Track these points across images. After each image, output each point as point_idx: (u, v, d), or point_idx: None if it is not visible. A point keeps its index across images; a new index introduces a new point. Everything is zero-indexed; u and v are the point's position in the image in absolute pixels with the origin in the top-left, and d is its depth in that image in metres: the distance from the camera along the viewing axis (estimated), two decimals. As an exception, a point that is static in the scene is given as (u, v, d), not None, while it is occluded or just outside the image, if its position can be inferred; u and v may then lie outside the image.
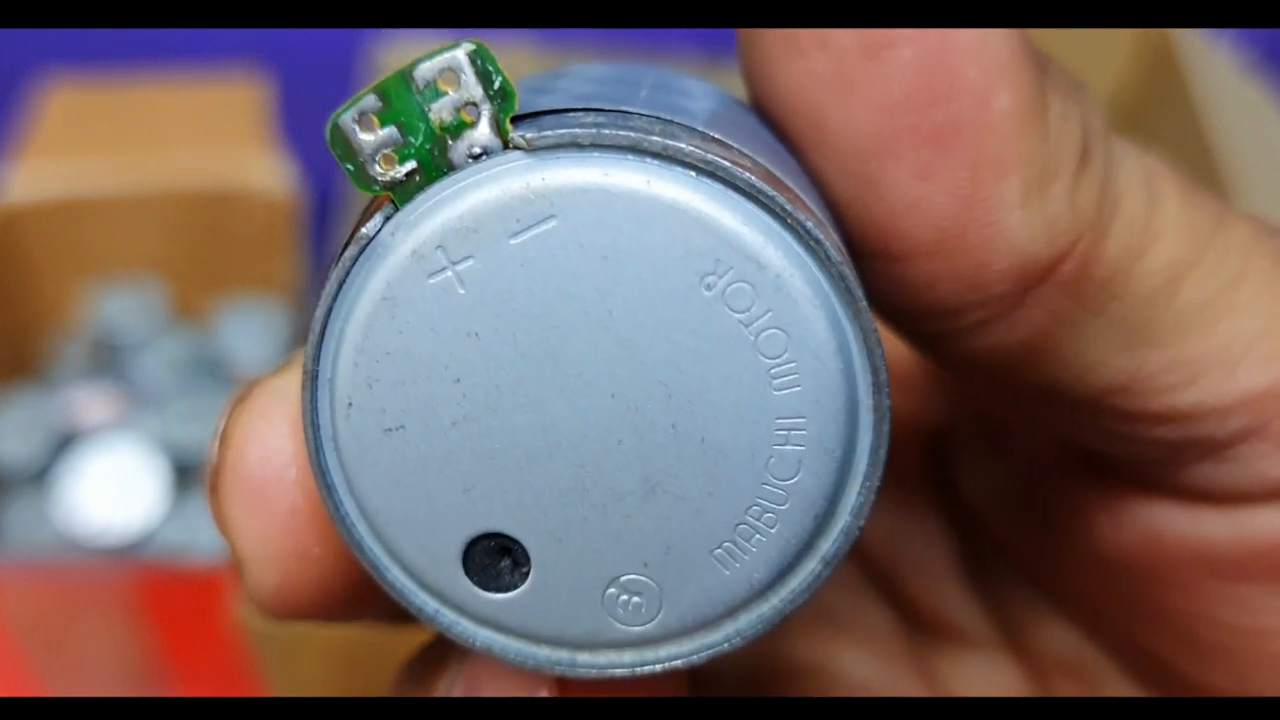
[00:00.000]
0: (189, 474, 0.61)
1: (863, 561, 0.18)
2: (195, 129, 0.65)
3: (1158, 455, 0.13)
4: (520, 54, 0.66)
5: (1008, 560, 0.17)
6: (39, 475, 0.60)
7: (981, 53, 0.11)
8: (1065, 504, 0.15)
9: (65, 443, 0.61)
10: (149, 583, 0.51)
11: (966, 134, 0.11)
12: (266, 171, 0.63)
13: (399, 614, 0.14)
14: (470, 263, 0.12)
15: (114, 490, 0.59)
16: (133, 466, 0.59)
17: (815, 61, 0.11)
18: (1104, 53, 0.60)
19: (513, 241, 0.12)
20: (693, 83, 0.14)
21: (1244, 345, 0.12)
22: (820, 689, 0.17)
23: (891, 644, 0.18)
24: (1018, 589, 0.17)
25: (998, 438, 0.16)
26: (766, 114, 0.12)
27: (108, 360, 0.66)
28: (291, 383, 0.13)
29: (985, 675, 0.17)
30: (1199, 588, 0.14)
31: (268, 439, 0.13)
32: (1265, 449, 0.13)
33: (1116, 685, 0.16)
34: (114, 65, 0.70)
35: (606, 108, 0.12)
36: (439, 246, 0.12)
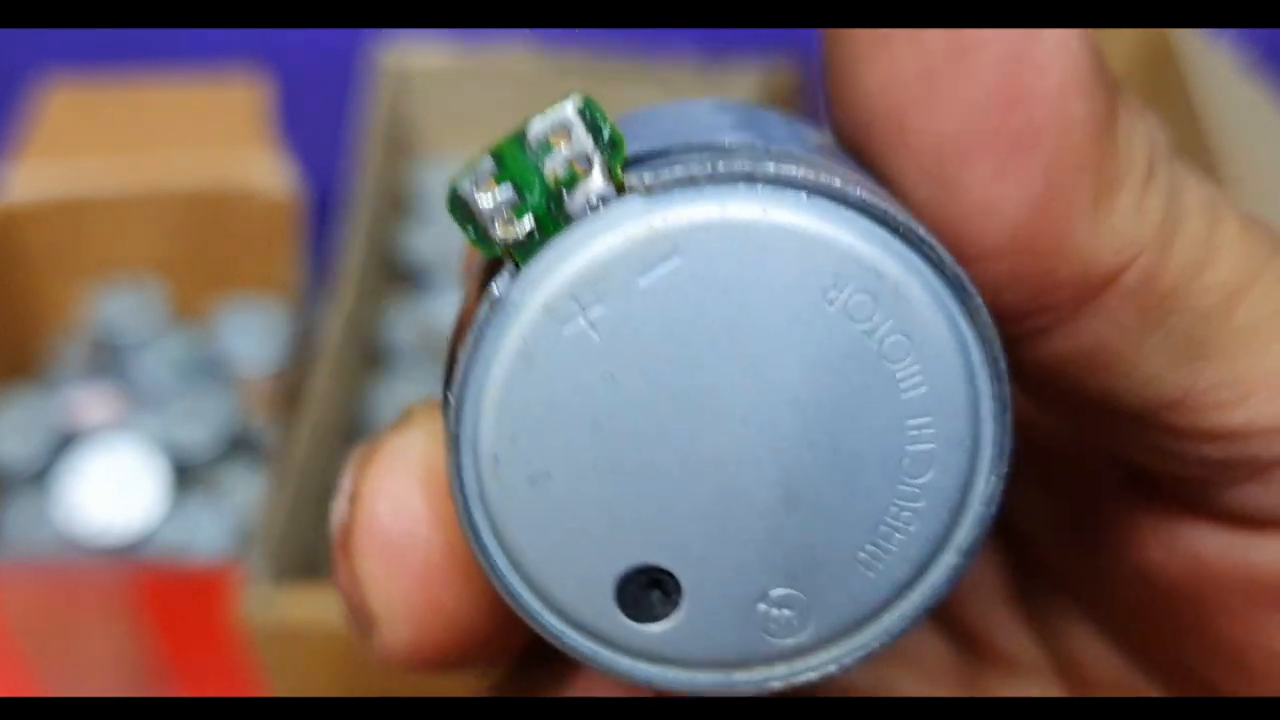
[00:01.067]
0: (189, 474, 0.61)
1: None
2: (195, 129, 0.65)
3: (1207, 475, 0.13)
4: (520, 54, 0.66)
5: (1056, 585, 0.17)
6: (39, 475, 0.60)
7: (1062, 59, 0.11)
8: (1114, 527, 0.15)
9: (65, 443, 0.61)
10: (149, 582, 0.52)
11: (1043, 138, 0.11)
12: (267, 172, 0.63)
13: (534, 657, 0.15)
14: (601, 308, 0.12)
15: (114, 490, 0.59)
16: (133, 466, 0.59)
17: (901, 62, 0.12)
18: (1107, 51, 0.60)
19: (640, 283, 0.12)
20: (763, 111, 0.15)
21: None
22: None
23: (946, 670, 0.18)
24: (1067, 614, 0.17)
25: (1043, 458, 0.16)
26: (842, 121, 0.13)
27: (108, 360, 0.66)
28: (414, 440, 0.13)
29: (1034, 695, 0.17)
30: (1249, 615, 0.14)
31: (399, 496, 0.13)
32: None
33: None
34: (114, 65, 0.70)
35: (703, 142, 0.13)
36: (571, 296, 0.12)
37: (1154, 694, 0.16)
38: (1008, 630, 0.17)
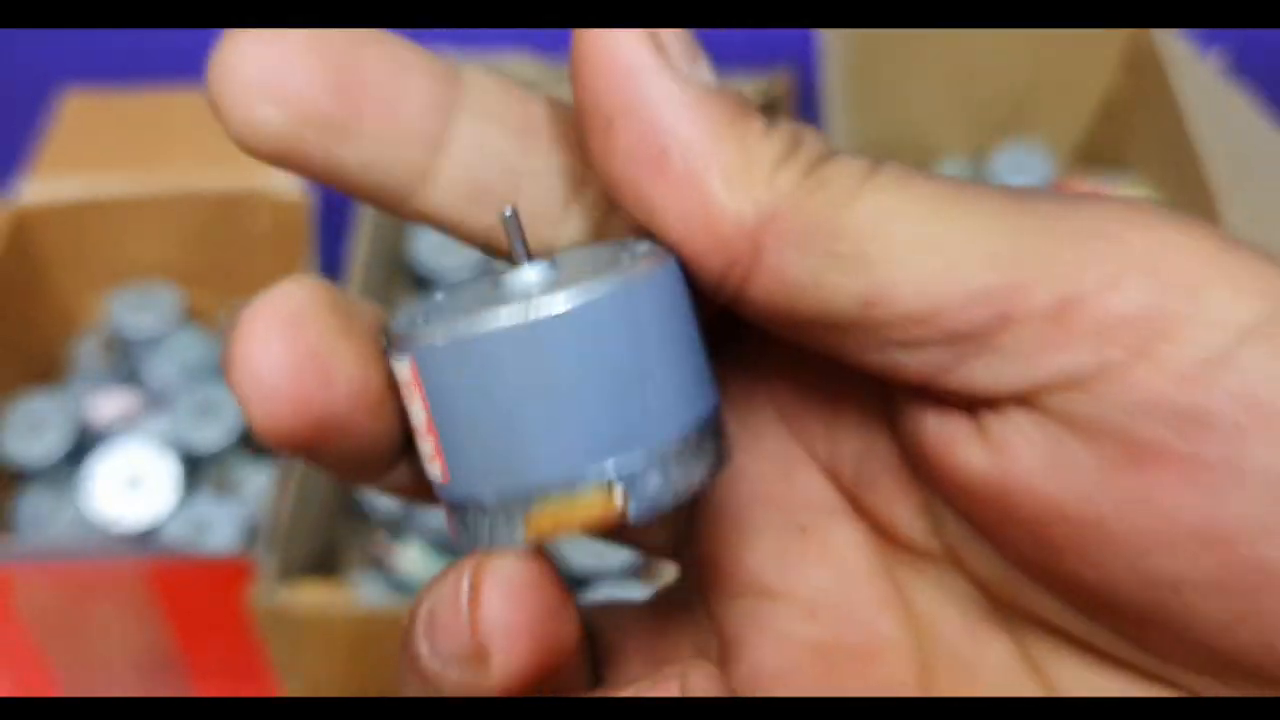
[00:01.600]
0: (202, 471, 0.62)
1: (835, 482, 0.20)
2: (208, 136, 0.66)
3: (940, 359, 0.16)
4: (521, 59, 0.67)
5: (932, 485, 0.18)
6: (55, 473, 0.62)
7: (669, 100, 0.16)
8: (917, 440, 0.18)
9: (81, 441, 0.62)
10: (163, 576, 0.52)
11: (671, 156, 0.16)
12: (279, 177, 0.64)
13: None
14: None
15: (129, 487, 0.60)
16: (147, 464, 0.60)
17: (588, 137, 0.17)
18: (1094, 59, 0.62)
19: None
20: None
21: (958, 257, 0.16)
22: (786, 605, 0.19)
23: (861, 559, 0.20)
24: (946, 509, 0.18)
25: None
26: None
27: (123, 360, 0.67)
28: (277, 292, 0.17)
29: (943, 590, 0.19)
30: (1031, 498, 0.16)
31: (262, 329, 0.17)
32: (1020, 332, 0.16)
33: (1043, 599, 0.18)
34: (129, 76, 0.71)
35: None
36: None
37: (1023, 583, 0.18)
38: (910, 521, 0.19)
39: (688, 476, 0.17)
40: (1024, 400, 0.16)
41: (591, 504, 0.17)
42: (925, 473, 0.18)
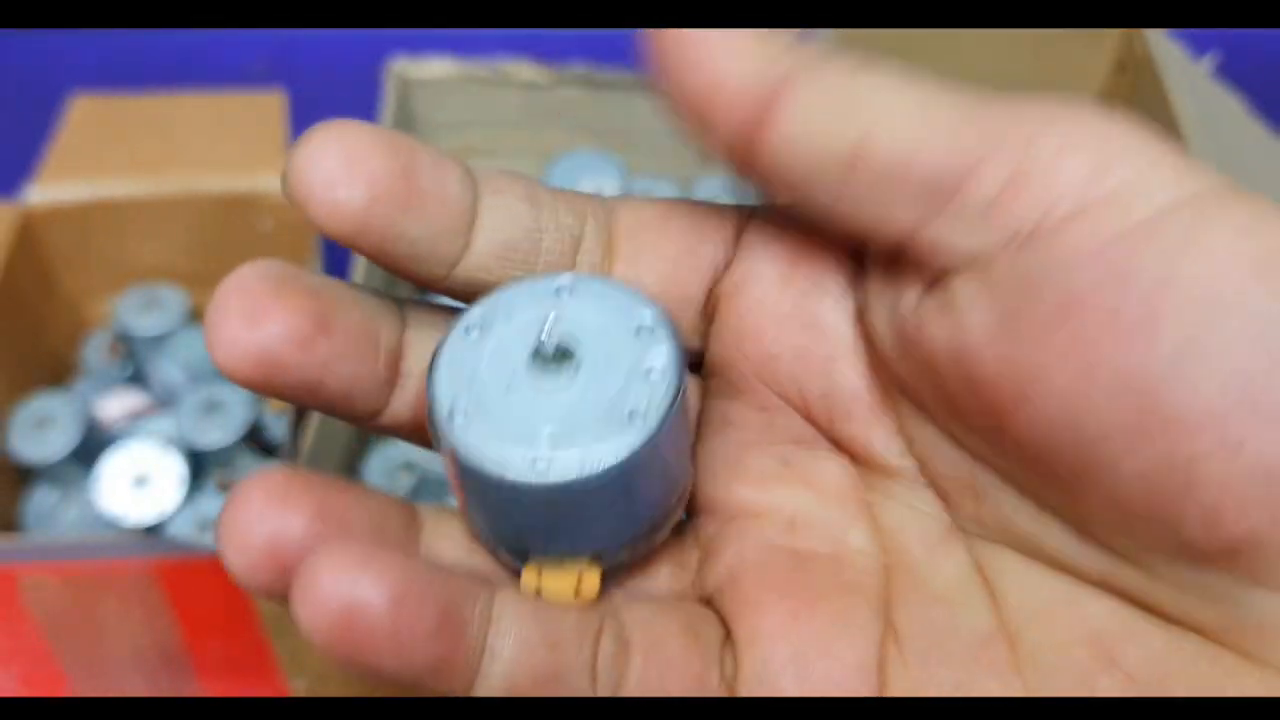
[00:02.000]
0: (205, 469, 0.62)
1: (814, 422, 0.22)
2: (215, 138, 0.67)
3: (912, 215, 0.19)
4: (522, 64, 0.68)
5: (902, 391, 0.20)
6: (63, 471, 0.62)
7: (725, 46, 0.19)
8: (901, 324, 0.20)
9: (89, 440, 0.62)
10: (168, 570, 0.53)
11: (700, 36, 0.19)
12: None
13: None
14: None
15: (134, 485, 0.60)
16: (152, 462, 0.61)
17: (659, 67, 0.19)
18: (1087, 62, 0.62)
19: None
20: None
21: (932, 121, 0.18)
22: (768, 520, 0.21)
23: (843, 487, 0.22)
24: (917, 419, 0.20)
25: (861, 269, 0.21)
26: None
27: (129, 361, 0.67)
28: (250, 266, 0.20)
29: (911, 510, 0.21)
30: (977, 366, 0.18)
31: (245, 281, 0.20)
32: (978, 192, 0.18)
33: (1001, 495, 0.20)
34: (136, 79, 0.72)
35: None
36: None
37: (988, 478, 0.20)
38: (885, 444, 0.21)
39: (650, 545, 0.21)
40: (977, 263, 0.18)
41: (574, 570, 0.20)
42: (902, 365, 0.20)
